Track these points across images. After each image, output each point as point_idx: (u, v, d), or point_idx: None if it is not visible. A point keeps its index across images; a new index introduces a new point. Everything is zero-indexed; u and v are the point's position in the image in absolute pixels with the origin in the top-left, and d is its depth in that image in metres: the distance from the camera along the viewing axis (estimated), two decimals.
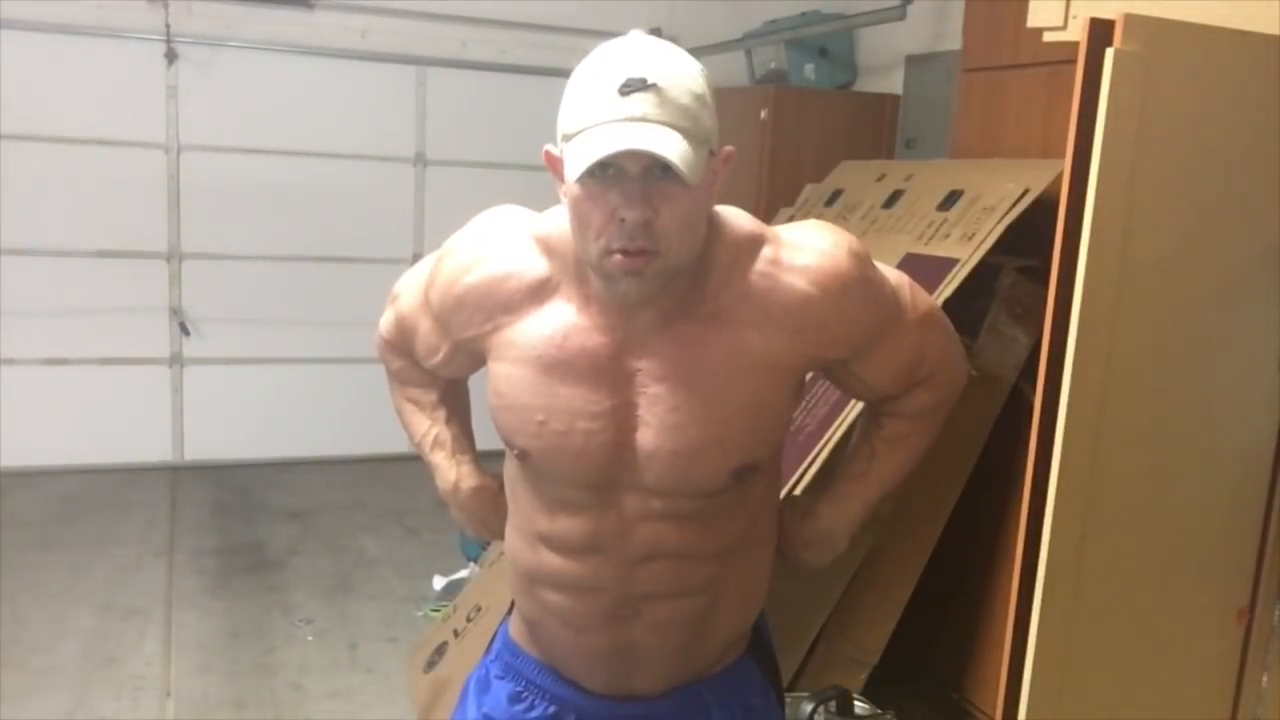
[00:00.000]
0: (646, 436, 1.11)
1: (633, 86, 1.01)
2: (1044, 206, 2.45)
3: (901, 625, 2.82)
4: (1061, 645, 1.91)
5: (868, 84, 4.33)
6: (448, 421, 1.41)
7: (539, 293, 1.15)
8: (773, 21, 4.39)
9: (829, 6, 4.29)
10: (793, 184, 3.66)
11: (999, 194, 2.65)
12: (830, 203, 3.34)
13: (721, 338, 1.12)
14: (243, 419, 4.87)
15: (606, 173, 1.02)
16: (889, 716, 2.36)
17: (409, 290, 1.33)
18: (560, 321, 1.13)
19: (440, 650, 2.86)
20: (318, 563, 3.89)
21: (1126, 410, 1.90)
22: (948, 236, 2.70)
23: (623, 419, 1.11)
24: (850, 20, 4.08)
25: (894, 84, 4.11)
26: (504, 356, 1.16)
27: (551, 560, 1.20)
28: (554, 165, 1.11)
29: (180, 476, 4.79)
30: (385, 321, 1.39)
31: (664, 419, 1.11)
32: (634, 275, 1.05)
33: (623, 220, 1.02)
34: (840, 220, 3.20)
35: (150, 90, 4.63)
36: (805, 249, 1.15)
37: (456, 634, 2.84)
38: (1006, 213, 2.58)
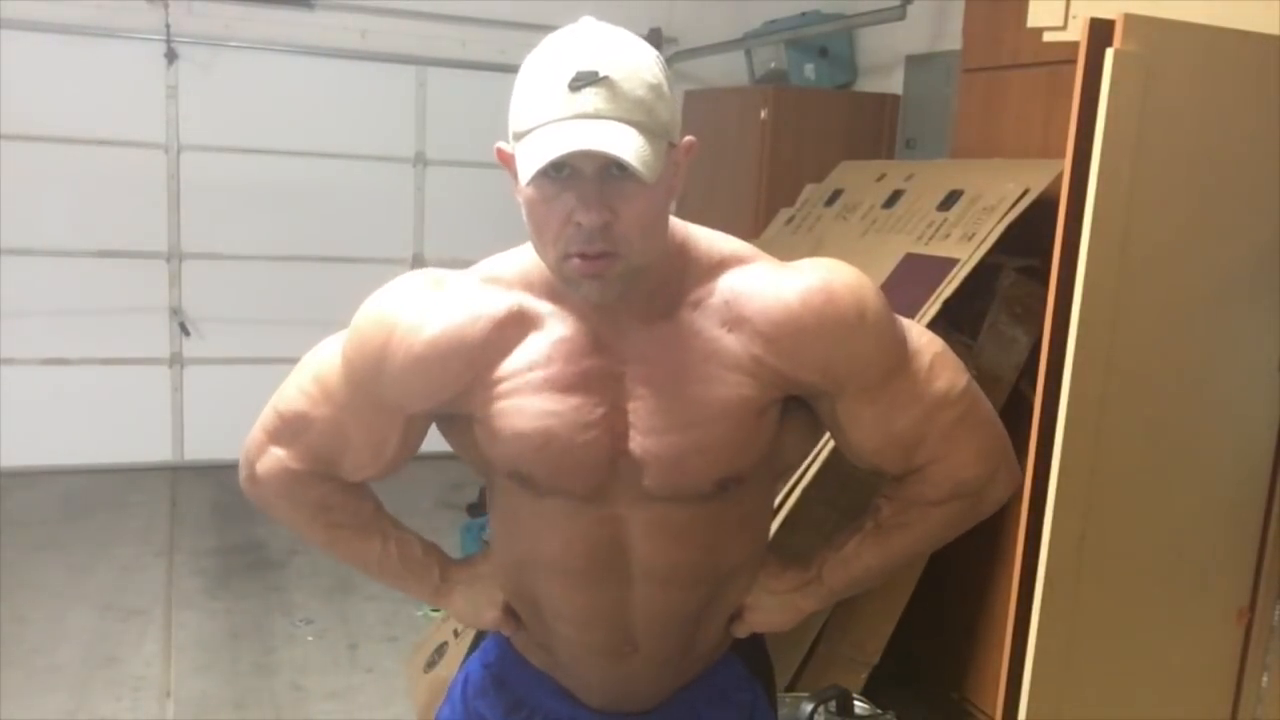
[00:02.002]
0: (635, 439, 1.08)
1: (583, 80, 0.95)
2: (1044, 206, 2.45)
3: (901, 625, 2.82)
4: (1061, 645, 1.91)
5: (868, 84, 4.33)
6: (397, 527, 1.28)
7: (511, 324, 1.09)
8: (773, 21, 4.39)
9: (829, 6, 4.29)
10: (793, 184, 3.66)
11: (999, 194, 2.65)
12: (830, 203, 3.34)
13: (701, 339, 1.07)
14: (243, 419, 4.75)
15: (561, 174, 0.97)
16: (889, 716, 2.36)
17: (314, 402, 1.17)
18: (542, 342, 1.08)
19: (440, 650, 2.86)
20: (318, 563, 3.88)
21: (1126, 410, 1.90)
22: (948, 236, 2.70)
23: (614, 423, 1.08)
24: (850, 20, 4.09)
25: (894, 84, 4.11)
26: (491, 397, 1.09)
27: (551, 590, 1.18)
28: (507, 163, 1.04)
29: (180, 476, 4.79)
30: (287, 456, 1.19)
31: (649, 421, 1.07)
32: (595, 278, 1.00)
33: (579, 224, 0.97)
34: (840, 220, 3.20)
35: (150, 90, 4.63)
36: (805, 271, 1.09)
37: (456, 634, 2.84)
38: (1006, 213, 2.58)
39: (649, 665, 1.21)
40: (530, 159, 0.95)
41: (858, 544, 1.22)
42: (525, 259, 1.11)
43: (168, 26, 4.55)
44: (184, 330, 4.82)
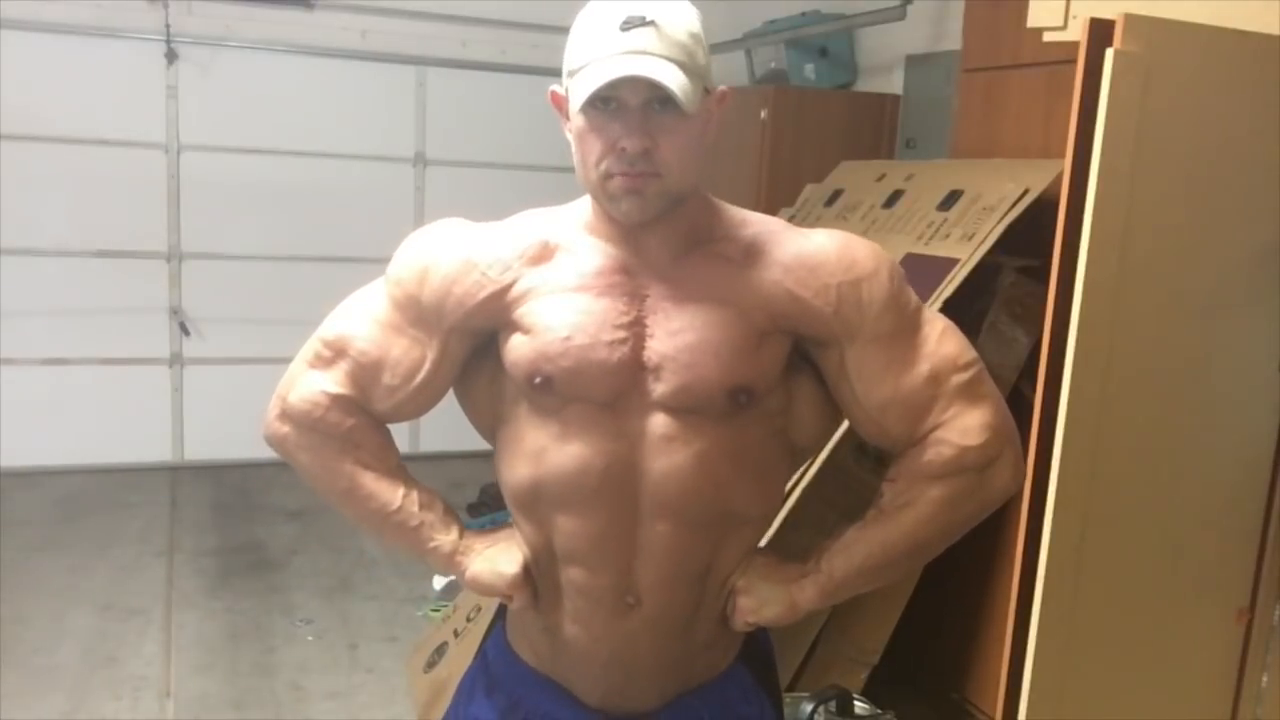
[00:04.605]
0: (652, 347, 1.15)
1: (633, 23, 1.07)
2: (1044, 206, 2.45)
3: (901, 625, 2.82)
4: (1061, 645, 1.91)
5: (868, 84, 4.33)
6: (419, 481, 1.28)
7: (550, 249, 1.19)
8: (773, 21, 4.39)
9: (829, 6, 4.29)
10: (793, 184, 3.66)
11: (999, 194, 2.65)
12: (830, 203, 3.34)
13: (722, 267, 1.17)
14: (243, 419, 4.77)
15: (608, 107, 1.09)
16: (889, 716, 2.36)
17: (358, 322, 1.24)
18: (575, 259, 1.18)
19: (440, 650, 2.86)
20: (318, 563, 3.89)
21: (1126, 410, 1.90)
22: (948, 236, 2.70)
23: (638, 335, 1.15)
24: (850, 20, 4.08)
25: (894, 84, 4.10)
26: (524, 300, 1.17)
27: (562, 523, 1.19)
28: (559, 104, 1.17)
29: (180, 476, 4.79)
30: (327, 379, 1.23)
31: (666, 327, 1.15)
32: (635, 194, 1.11)
33: (624, 149, 1.08)
34: (840, 220, 3.20)
35: (150, 90, 4.63)
36: (828, 231, 1.21)
37: (456, 634, 2.84)
38: (1006, 213, 2.58)
39: (651, 630, 1.20)
40: (582, 89, 1.07)
41: (857, 531, 1.22)
42: (566, 206, 1.23)
43: (168, 26, 4.56)
44: (184, 330, 4.82)
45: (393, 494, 1.25)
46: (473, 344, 1.23)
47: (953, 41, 3.51)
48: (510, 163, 4.94)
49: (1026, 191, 2.59)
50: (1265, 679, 2.18)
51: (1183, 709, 2.13)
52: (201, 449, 4.90)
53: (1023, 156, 2.85)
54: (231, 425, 4.86)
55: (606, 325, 1.14)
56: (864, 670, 2.79)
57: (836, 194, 3.34)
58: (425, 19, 4.87)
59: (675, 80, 1.06)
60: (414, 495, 1.26)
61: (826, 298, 1.16)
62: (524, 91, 4.83)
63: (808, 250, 1.18)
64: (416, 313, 1.21)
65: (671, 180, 1.11)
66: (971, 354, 1.20)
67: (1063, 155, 1.82)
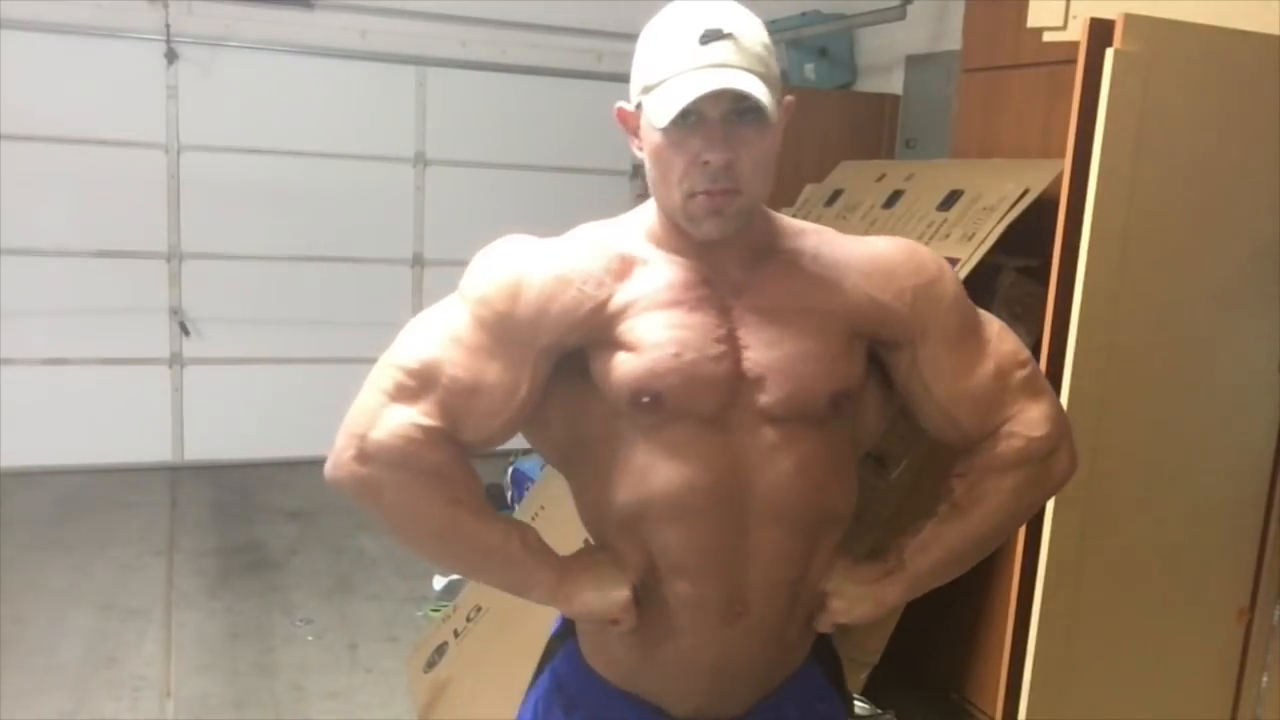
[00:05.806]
0: (750, 359, 1.15)
1: (711, 36, 1.07)
2: (1044, 206, 2.45)
3: (901, 625, 2.82)
4: (1061, 645, 1.91)
5: (868, 84, 4.34)
6: (516, 519, 1.24)
7: (629, 264, 1.17)
8: (773, 22, 4.38)
9: (829, 6, 4.29)
10: (793, 184, 3.66)
11: (999, 194, 2.65)
12: (830, 203, 3.34)
13: (798, 273, 1.19)
14: (243, 419, 4.87)
15: (687, 121, 1.08)
16: (889, 716, 2.36)
17: (442, 347, 1.15)
18: (657, 274, 1.17)
19: (440, 650, 2.86)
20: (318, 563, 3.89)
21: (1126, 410, 1.90)
22: (948, 236, 2.70)
23: (733, 347, 1.15)
24: (850, 20, 4.09)
25: (894, 84, 4.11)
26: (619, 318, 1.15)
27: (669, 539, 1.17)
28: (627, 121, 1.17)
29: (180, 476, 4.79)
30: (416, 412, 1.14)
31: (762, 337, 1.15)
32: (716, 215, 1.11)
33: (706, 163, 1.08)
34: (840, 220, 3.20)
35: (150, 90, 4.63)
36: (888, 238, 1.25)
37: (456, 634, 2.84)
38: (1006, 213, 2.58)
39: (753, 635, 1.20)
40: (667, 104, 1.07)
41: (935, 526, 1.25)
42: (625, 219, 1.23)
43: (168, 26, 4.56)
44: (184, 330, 4.82)
45: (492, 534, 1.18)
46: (555, 364, 1.17)
47: (953, 41, 3.52)
48: (510, 163, 4.93)
49: (1026, 191, 2.59)
50: (1265, 679, 2.18)
51: (1183, 709, 2.13)
52: (201, 449, 4.90)
53: (1023, 156, 2.85)
54: (231, 425, 4.88)
55: (708, 339, 1.13)
56: (864, 670, 2.79)
57: (836, 194, 3.35)
58: (425, 19, 4.87)
59: (760, 91, 1.07)
60: (513, 532, 1.19)
61: (903, 300, 1.19)
62: (524, 91, 4.81)
63: (878, 255, 1.21)
64: (506, 332, 1.14)
65: (749, 196, 1.12)
66: (1026, 351, 1.26)
67: (1063, 155, 1.82)
